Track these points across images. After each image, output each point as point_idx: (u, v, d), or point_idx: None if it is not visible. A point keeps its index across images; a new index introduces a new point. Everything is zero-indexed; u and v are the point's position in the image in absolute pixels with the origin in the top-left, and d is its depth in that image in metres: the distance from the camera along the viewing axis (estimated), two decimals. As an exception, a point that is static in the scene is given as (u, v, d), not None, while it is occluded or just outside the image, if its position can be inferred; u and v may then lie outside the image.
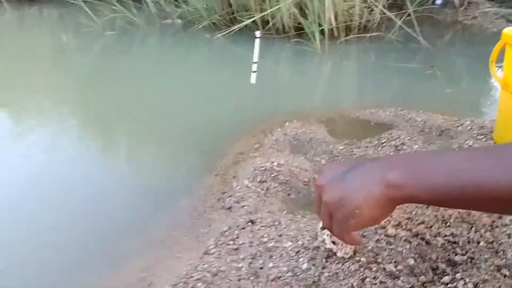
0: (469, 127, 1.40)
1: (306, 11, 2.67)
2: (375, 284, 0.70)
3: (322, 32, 2.62)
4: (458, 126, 1.43)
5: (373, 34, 2.69)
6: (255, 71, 1.24)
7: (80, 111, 1.91)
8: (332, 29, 2.68)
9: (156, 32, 3.12)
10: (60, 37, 2.88)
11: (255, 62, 1.25)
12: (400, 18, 2.70)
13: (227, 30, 2.83)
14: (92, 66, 2.42)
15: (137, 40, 2.97)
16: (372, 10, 2.79)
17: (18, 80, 2.29)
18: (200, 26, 3.03)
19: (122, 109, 1.83)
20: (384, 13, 2.76)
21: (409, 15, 2.64)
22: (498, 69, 1.25)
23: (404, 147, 1.31)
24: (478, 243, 0.82)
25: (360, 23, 2.76)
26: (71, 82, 2.22)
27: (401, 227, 0.91)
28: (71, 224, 1.08)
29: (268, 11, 2.75)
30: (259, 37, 1.24)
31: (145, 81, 2.11)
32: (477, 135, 1.33)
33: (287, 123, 1.56)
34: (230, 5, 3.06)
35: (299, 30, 2.75)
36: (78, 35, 2.98)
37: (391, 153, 1.29)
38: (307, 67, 2.31)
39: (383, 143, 1.35)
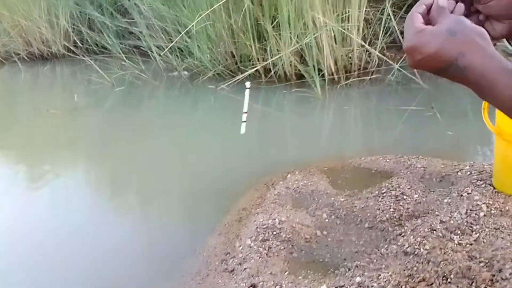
0: (468, 172, 1.43)
1: (306, 58, 2.78)
2: None
3: (322, 77, 2.71)
4: (457, 172, 1.45)
5: (373, 76, 2.77)
6: (244, 121, 1.31)
7: (89, 167, 1.99)
8: (332, 74, 2.77)
9: (163, 86, 3.26)
10: (72, 95, 3.03)
11: (245, 112, 1.32)
12: (400, 58, 2.79)
13: (230, 81, 2.95)
14: (102, 123, 2.54)
15: (145, 95, 3.11)
16: (370, 53, 2.89)
17: (32, 138, 2.41)
18: (205, 78, 3.16)
19: (128, 166, 1.91)
20: (383, 55, 2.85)
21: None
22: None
23: (405, 197, 1.33)
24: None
25: (359, 66, 2.85)
26: (82, 139, 2.32)
27: (401, 287, 0.92)
28: (73, 285, 1.12)
29: (269, 60, 2.87)
30: (249, 88, 1.32)
31: (151, 136, 2.20)
32: (477, 181, 1.36)
33: (289, 175, 1.60)
34: (233, 56, 3.20)
35: (300, 77, 2.85)
36: (89, 93, 3.14)
37: (392, 204, 1.31)
38: (308, 114, 2.38)
39: (384, 193, 1.38)
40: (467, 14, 0.53)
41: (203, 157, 1.94)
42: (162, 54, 3.63)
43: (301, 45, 2.79)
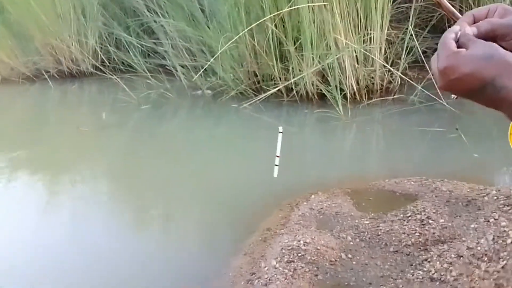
0: (495, 197, 1.42)
1: (328, 78, 2.82)
2: None
3: (344, 97, 2.74)
4: (484, 196, 1.45)
5: (395, 96, 2.78)
6: (277, 165, 1.34)
7: (114, 185, 2.06)
8: (354, 94, 2.80)
9: (187, 104, 3.35)
10: (100, 113, 3.15)
11: (278, 156, 1.36)
12: (423, 78, 2.79)
13: (253, 100, 3.01)
14: (128, 141, 2.62)
15: (170, 113, 3.20)
16: (393, 73, 2.91)
17: (61, 154, 2.51)
18: (228, 96, 3.23)
19: (152, 184, 1.96)
20: (406, 75, 2.86)
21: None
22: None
23: (430, 221, 1.33)
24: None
25: (381, 86, 2.87)
26: (109, 156, 2.40)
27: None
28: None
29: (291, 80, 2.92)
30: (281, 132, 1.35)
31: (175, 155, 2.26)
32: (503, 206, 1.35)
33: (312, 196, 1.62)
34: (256, 75, 3.27)
35: (322, 96, 2.88)
36: (116, 111, 3.24)
37: (417, 228, 1.31)
38: (330, 135, 2.40)
39: (409, 216, 1.38)
40: None
41: (226, 176, 1.98)
42: (186, 73, 3.74)
43: (323, 65, 2.83)
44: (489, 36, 0.53)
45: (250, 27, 2.85)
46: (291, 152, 2.26)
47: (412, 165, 1.89)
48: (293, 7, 2.70)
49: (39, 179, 2.26)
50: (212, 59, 3.01)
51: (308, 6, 2.70)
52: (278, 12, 2.79)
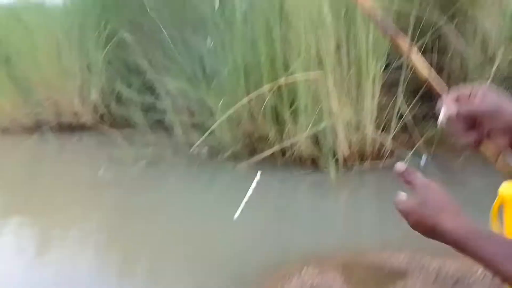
0: (482, 276, 1.45)
1: (321, 142, 2.92)
2: None
3: (337, 161, 2.82)
4: (471, 275, 1.48)
5: (386, 162, 2.87)
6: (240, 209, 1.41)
7: (104, 243, 2.06)
8: (346, 159, 2.88)
9: (183, 163, 3.42)
10: (95, 169, 3.21)
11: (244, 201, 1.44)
12: (413, 144, 2.90)
13: (249, 159, 3.09)
14: (120, 200, 2.65)
15: (165, 172, 3.26)
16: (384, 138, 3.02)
17: (50, 208, 2.52)
18: (224, 156, 3.31)
19: (139, 246, 1.98)
20: (397, 140, 2.97)
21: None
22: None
23: (418, 302, 1.36)
24: None
25: (373, 151, 2.97)
26: (99, 215, 2.43)
27: None
28: None
29: (285, 143, 3.02)
30: (258, 178, 1.45)
31: (164, 217, 2.29)
32: (490, 286, 1.38)
33: (305, 269, 1.65)
34: (252, 136, 3.38)
35: (315, 160, 2.97)
36: (112, 167, 3.29)
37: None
38: (322, 201, 2.46)
39: (397, 296, 1.41)
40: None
41: (216, 242, 2.00)
42: (184, 130, 3.85)
43: (316, 130, 2.94)
44: (468, 120, 0.58)
45: (248, 96, 2.98)
46: (283, 217, 2.31)
47: (403, 236, 1.92)
48: (289, 80, 2.85)
49: (23, 230, 2.29)
50: (214, 125, 3.11)
51: (303, 76, 2.87)
52: (275, 83, 2.94)
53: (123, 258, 1.95)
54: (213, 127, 3.33)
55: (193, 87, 4.00)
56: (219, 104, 3.43)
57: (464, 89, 0.60)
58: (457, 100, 0.59)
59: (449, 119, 0.59)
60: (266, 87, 3.01)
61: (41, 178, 3.45)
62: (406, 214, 0.57)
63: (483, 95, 0.58)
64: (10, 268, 1.81)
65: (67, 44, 4.87)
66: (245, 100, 3.01)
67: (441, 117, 0.60)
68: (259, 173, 1.48)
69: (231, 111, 3.12)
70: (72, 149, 4.46)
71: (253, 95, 3.02)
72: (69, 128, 4.96)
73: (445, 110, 0.58)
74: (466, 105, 0.58)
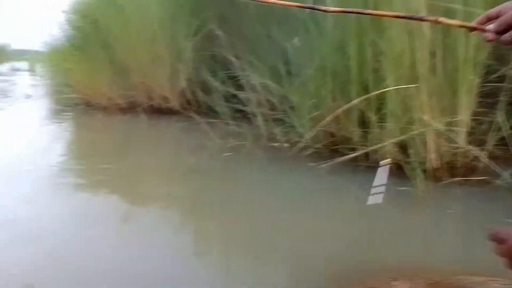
0: None
1: (409, 151, 2.83)
2: None
3: (424, 171, 2.72)
4: None
5: (480, 178, 2.71)
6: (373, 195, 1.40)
7: (183, 224, 2.19)
8: (434, 170, 2.77)
9: (265, 156, 3.50)
10: (180, 151, 3.42)
11: (376, 186, 1.43)
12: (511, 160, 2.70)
13: (330, 161, 3.09)
14: (209, 187, 2.78)
15: (249, 163, 3.36)
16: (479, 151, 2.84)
17: (137, 183, 2.72)
18: (305, 154, 3.34)
19: (225, 235, 2.06)
20: (493, 156, 2.78)
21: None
22: None
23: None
24: None
25: (465, 164, 2.81)
26: (181, 195, 2.57)
27: None
28: None
29: (370, 148, 2.97)
30: (381, 166, 1.43)
31: (247, 210, 2.37)
32: None
33: (394, 283, 1.64)
34: (333, 136, 3.36)
35: (401, 167, 2.89)
36: (200, 154, 3.46)
37: None
38: (408, 212, 2.39)
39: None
40: None
41: (297, 242, 2.02)
42: (266, 123, 3.93)
43: (404, 137, 2.85)
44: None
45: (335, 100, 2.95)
46: (368, 226, 2.29)
47: (496, 261, 1.83)
48: (381, 90, 2.78)
49: (116, 199, 2.49)
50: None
51: (395, 83, 2.78)
52: (366, 95, 2.88)
53: (202, 240, 2.05)
54: (297, 125, 3.37)
55: (276, 83, 4.06)
56: (304, 104, 3.45)
57: (490, 11, 0.65)
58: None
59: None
60: (354, 93, 2.97)
61: (132, 154, 3.73)
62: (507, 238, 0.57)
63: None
64: (94, 234, 1.97)
65: (160, 32, 5.16)
66: (332, 104, 2.98)
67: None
68: (381, 170, 1.46)
69: (317, 112, 3.12)
70: (160, 131, 4.78)
71: (337, 90, 2.98)
72: (158, 111, 5.30)
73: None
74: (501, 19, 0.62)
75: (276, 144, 3.74)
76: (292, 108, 3.71)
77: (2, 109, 5.58)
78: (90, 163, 3.32)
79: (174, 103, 5.23)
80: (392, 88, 2.73)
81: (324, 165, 3.08)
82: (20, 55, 15.79)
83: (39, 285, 1.55)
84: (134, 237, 1.97)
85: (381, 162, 1.49)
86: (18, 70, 14.98)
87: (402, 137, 2.84)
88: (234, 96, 4.52)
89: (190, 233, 2.11)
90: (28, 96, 6.78)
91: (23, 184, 2.67)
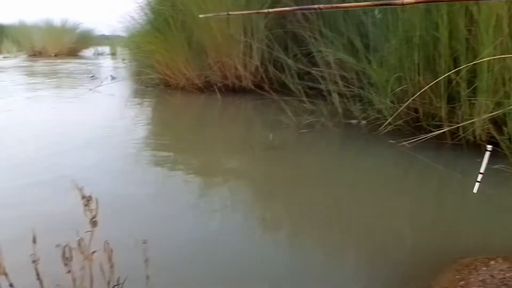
0: None
1: (503, 128, 2.61)
2: None
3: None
4: None
5: None
6: (479, 181, 1.36)
7: (256, 201, 2.23)
8: (534, 148, 2.53)
9: (343, 133, 3.45)
10: (262, 132, 3.48)
11: (481, 173, 1.39)
12: None
13: (412, 138, 2.96)
14: (290, 164, 2.82)
15: (326, 140, 3.34)
16: None
17: (213, 157, 2.82)
18: (385, 131, 3.23)
19: (305, 209, 2.07)
20: None
21: None
22: None
23: None
24: None
25: None
26: (256, 172, 2.61)
27: None
28: None
29: (459, 124, 2.79)
30: (490, 151, 1.39)
31: (328, 186, 2.35)
32: None
33: (492, 262, 1.56)
34: (416, 112, 3.20)
35: (494, 145, 2.68)
36: (277, 131, 3.46)
37: None
38: (504, 190, 2.23)
39: None
40: None
41: (386, 222, 1.99)
42: (341, 100, 3.85)
43: (499, 112, 2.64)
44: None
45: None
46: (458, 204, 2.19)
47: None
48: (475, 61, 2.57)
49: (191, 174, 2.59)
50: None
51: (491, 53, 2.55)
52: (458, 68, 2.69)
53: (278, 216, 2.07)
54: (377, 103, 3.26)
55: (354, 58, 3.93)
56: (384, 79, 3.32)
57: None
58: None
59: None
60: (442, 66, 2.78)
61: (209, 131, 3.88)
62: None
63: None
64: (170, 205, 2.04)
65: (234, 11, 5.21)
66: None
67: None
68: (489, 146, 1.41)
69: (399, 87, 2.98)
70: (235, 108, 4.90)
71: (422, 63, 2.81)
72: (232, 90, 5.43)
73: None
74: None
75: (353, 121, 3.66)
76: (370, 84, 3.59)
77: (92, 90, 6.08)
78: (170, 139, 3.49)
79: (248, 82, 5.31)
80: (487, 59, 2.50)
81: (406, 142, 2.97)
82: (102, 39, 16.95)
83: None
84: (211, 213, 2.04)
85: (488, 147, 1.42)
86: (101, 54, 16.14)
87: (496, 113, 2.63)
88: (308, 73, 4.47)
89: (267, 209, 2.15)
90: (113, 78, 7.29)
91: (109, 158, 2.84)
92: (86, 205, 1.02)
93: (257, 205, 2.18)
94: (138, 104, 5.32)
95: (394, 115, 3.15)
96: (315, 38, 4.37)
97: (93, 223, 1.03)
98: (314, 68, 4.33)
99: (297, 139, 3.33)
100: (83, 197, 1.01)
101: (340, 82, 4.08)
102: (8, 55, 15.37)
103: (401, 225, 1.95)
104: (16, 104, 5.09)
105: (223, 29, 5.22)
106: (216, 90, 5.28)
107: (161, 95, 5.65)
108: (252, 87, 5.22)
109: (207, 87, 5.57)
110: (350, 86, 3.96)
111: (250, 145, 3.11)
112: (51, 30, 15.67)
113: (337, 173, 2.58)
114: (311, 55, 4.63)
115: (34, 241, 1.15)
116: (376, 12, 3.54)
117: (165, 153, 3.05)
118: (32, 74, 9.36)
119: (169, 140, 3.51)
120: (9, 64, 11.94)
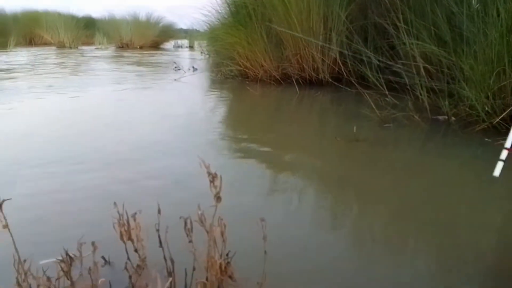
0: None
1: None
2: None
3: None
4: None
5: None
6: (503, 160, 1.15)
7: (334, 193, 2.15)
8: None
9: (432, 129, 3.24)
10: (345, 125, 3.40)
11: (507, 149, 1.18)
12: None
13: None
14: (376, 157, 2.72)
15: (412, 135, 3.17)
16: None
17: (291, 147, 2.77)
18: (479, 128, 3.00)
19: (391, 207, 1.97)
20: None
21: None
22: None
23: None
24: None
25: None
26: (337, 166, 2.53)
27: None
28: None
29: None
30: None
31: (412, 183, 2.22)
32: None
33: None
34: (514, 110, 2.93)
35: None
36: (361, 124, 3.31)
37: None
38: None
39: None
40: None
41: (472, 229, 1.82)
42: (427, 95, 3.63)
43: None
44: None
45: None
46: None
47: None
48: None
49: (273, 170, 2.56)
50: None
51: None
52: None
53: (353, 210, 1.99)
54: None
55: (443, 50, 3.68)
56: (479, 73, 3.06)
57: None
58: None
59: None
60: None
61: (290, 121, 3.87)
62: None
63: None
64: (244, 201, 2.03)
65: (316, 4, 5.14)
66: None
67: None
68: None
69: (497, 82, 2.73)
70: (313, 100, 4.85)
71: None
72: (309, 82, 5.38)
73: None
74: None
75: (441, 117, 3.44)
76: (461, 78, 3.34)
77: (178, 80, 6.38)
78: (247, 129, 3.47)
79: (325, 74, 5.22)
80: None
81: (503, 141, 2.71)
82: (181, 33, 17.72)
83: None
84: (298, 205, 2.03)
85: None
86: (180, 46, 16.89)
87: None
88: (389, 65, 4.27)
89: (352, 202, 2.09)
90: (194, 69, 7.59)
91: (189, 145, 2.87)
92: (211, 182, 1.07)
93: (337, 200, 2.13)
94: (218, 94, 5.48)
95: (478, 111, 2.89)
96: (399, 30, 4.16)
97: (218, 198, 1.08)
98: (396, 61, 4.13)
99: (381, 132, 3.20)
100: (209, 174, 1.06)
101: (425, 76, 3.85)
102: (99, 46, 16.69)
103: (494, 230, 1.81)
104: (114, 93, 5.51)
105: (303, 21, 5.16)
106: (294, 82, 5.26)
107: (240, 86, 5.77)
108: (330, 79, 5.13)
109: (284, 79, 5.59)
110: (436, 79, 3.72)
111: (335, 137, 3.05)
112: (137, 24, 16.71)
113: (426, 171, 2.44)
114: (393, 47, 4.43)
115: (159, 211, 1.24)
116: (474, 2, 3.27)
117: (236, 145, 3.06)
118: (126, 63, 10.06)
119: (243, 131, 3.52)
120: (103, 54, 12.97)
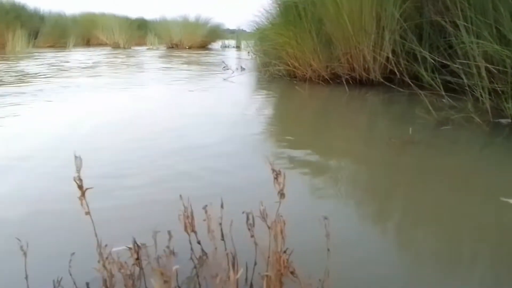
0: None
1: None
2: None
3: None
4: None
5: None
6: None
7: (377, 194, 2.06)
8: None
9: (492, 132, 3.06)
10: (400, 126, 3.28)
11: None
12: None
13: None
14: (430, 160, 2.59)
15: (471, 139, 2.99)
16: None
17: (338, 147, 2.71)
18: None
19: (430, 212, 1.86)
20: None
21: None
22: None
23: None
24: None
25: None
26: (388, 168, 2.43)
27: None
28: None
29: None
30: None
31: (472, 188, 2.09)
32: None
33: None
34: None
35: None
36: (416, 126, 3.20)
37: None
38: None
39: None
40: None
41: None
42: (489, 96, 3.42)
43: None
44: None
45: None
46: None
47: None
48: None
49: (312, 162, 2.51)
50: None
51: None
52: None
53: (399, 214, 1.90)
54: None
55: (508, 50, 3.44)
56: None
57: None
58: None
59: None
60: None
61: (341, 121, 3.79)
62: None
63: None
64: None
65: (368, 4, 5.01)
66: None
67: None
68: None
69: None
70: (364, 101, 4.74)
71: None
72: (359, 82, 5.26)
73: None
74: None
75: (504, 120, 3.23)
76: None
77: (226, 79, 6.49)
78: (295, 130, 3.42)
79: (376, 74, 5.08)
80: None
81: None
82: (228, 34, 18.00)
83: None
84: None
85: None
86: (227, 46, 17.16)
87: None
88: (445, 65, 4.07)
89: (406, 205, 2.01)
90: (242, 69, 7.68)
91: (236, 145, 2.83)
92: (275, 178, 1.08)
93: (390, 204, 2.06)
94: (266, 93, 5.50)
95: None
96: (457, 27, 3.95)
97: (281, 195, 1.08)
98: (456, 60, 3.93)
99: (438, 135, 3.06)
100: (273, 170, 1.07)
101: (485, 77, 3.63)
102: (151, 46, 17.36)
103: None
104: (165, 91, 5.71)
105: (355, 20, 5.05)
106: (344, 82, 5.17)
107: (289, 85, 5.76)
108: (381, 79, 4.98)
109: (333, 79, 5.50)
110: (498, 81, 3.49)
111: (390, 138, 2.96)
112: (186, 25, 17.21)
113: (489, 178, 2.29)
114: (451, 46, 4.21)
115: (222, 206, 1.26)
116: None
117: (284, 144, 3.04)
118: (179, 63, 10.39)
119: (290, 132, 3.50)
120: (155, 54, 13.48)
